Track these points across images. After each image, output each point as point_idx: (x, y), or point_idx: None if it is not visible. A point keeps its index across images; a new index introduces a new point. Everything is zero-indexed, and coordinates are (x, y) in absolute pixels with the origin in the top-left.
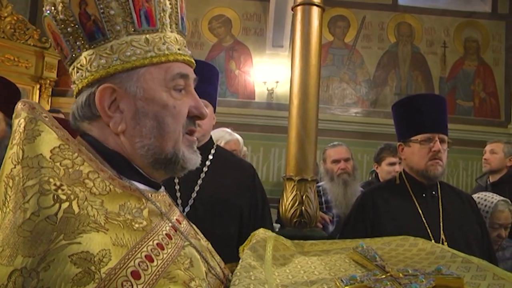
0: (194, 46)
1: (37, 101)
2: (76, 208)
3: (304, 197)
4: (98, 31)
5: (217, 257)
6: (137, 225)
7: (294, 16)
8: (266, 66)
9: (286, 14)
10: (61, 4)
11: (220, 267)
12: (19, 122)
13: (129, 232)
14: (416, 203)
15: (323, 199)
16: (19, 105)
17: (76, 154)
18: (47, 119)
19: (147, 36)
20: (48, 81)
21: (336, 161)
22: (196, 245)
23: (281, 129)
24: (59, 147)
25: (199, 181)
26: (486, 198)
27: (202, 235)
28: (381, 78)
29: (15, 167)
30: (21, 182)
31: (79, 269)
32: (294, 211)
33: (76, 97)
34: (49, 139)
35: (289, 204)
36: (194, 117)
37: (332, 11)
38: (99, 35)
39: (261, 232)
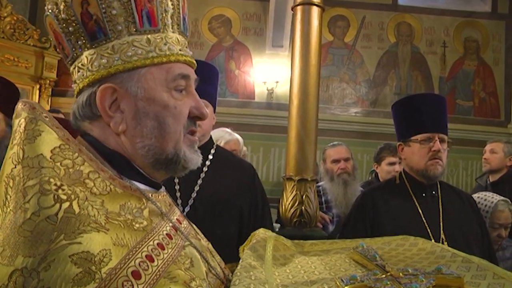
0: (194, 46)
1: (37, 101)
2: (76, 208)
3: (304, 197)
4: (100, 31)
5: (218, 257)
6: (137, 225)
7: (294, 16)
8: (266, 66)
9: (286, 14)
10: (63, 3)
11: (220, 267)
12: (20, 122)
13: (130, 232)
14: (416, 203)
15: (323, 199)
16: (19, 105)
17: (76, 154)
18: (47, 119)
19: (149, 36)
20: (48, 81)
21: (336, 161)
22: (196, 245)
23: (281, 129)
24: (59, 147)
25: (199, 181)
26: (486, 198)
27: (202, 235)
28: (381, 78)
29: (15, 167)
30: (22, 182)
31: (79, 269)
32: (294, 211)
33: (76, 97)
34: (50, 139)
35: (289, 204)
36: (195, 117)
37: (332, 11)
38: (100, 35)
39: (261, 232)
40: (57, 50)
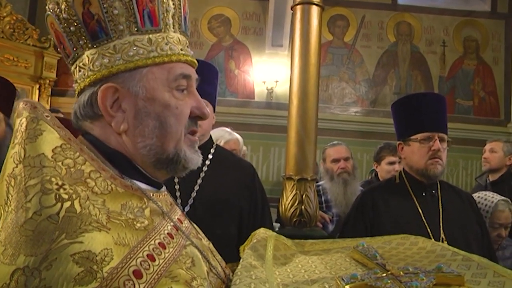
0: (194, 46)
1: (36, 101)
2: (78, 208)
3: (304, 196)
4: (101, 31)
5: (218, 257)
6: (139, 225)
7: (293, 16)
8: (266, 66)
9: (285, 14)
10: (64, 3)
11: (221, 266)
12: (21, 122)
13: (131, 231)
14: (416, 202)
15: (323, 199)
16: (20, 105)
17: (77, 154)
18: (48, 118)
19: (150, 36)
20: (48, 81)
21: (336, 160)
22: (197, 244)
23: (281, 128)
24: (60, 146)
25: (199, 181)
26: (486, 198)
27: (203, 235)
28: (381, 78)
29: (17, 166)
30: (23, 181)
31: (81, 268)
32: (294, 210)
33: (78, 96)
34: (51, 139)
35: (289, 203)
36: (196, 117)
37: (332, 11)
38: (102, 35)
39: (261, 232)
40: (58, 49)
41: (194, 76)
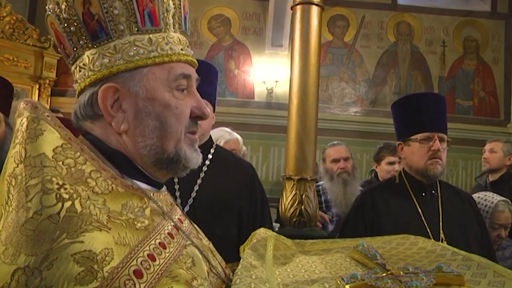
0: (193, 46)
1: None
2: (78, 207)
3: (303, 196)
4: (102, 31)
5: (219, 257)
6: (139, 224)
7: (293, 16)
8: (266, 66)
9: (285, 14)
10: (64, 3)
11: (221, 266)
12: (22, 121)
13: (132, 231)
14: (416, 202)
15: (322, 199)
16: (21, 105)
17: (78, 153)
18: (49, 118)
19: (151, 36)
20: (47, 81)
21: (336, 161)
22: (198, 244)
23: (281, 128)
24: (61, 146)
25: (199, 181)
26: (486, 198)
27: (203, 235)
28: (381, 78)
29: (17, 166)
30: (24, 181)
31: (81, 268)
32: (294, 210)
33: (78, 96)
34: (52, 138)
35: (288, 203)
36: (196, 117)
37: (332, 11)
38: (102, 35)
39: (261, 232)
40: (58, 49)
41: (195, 76)
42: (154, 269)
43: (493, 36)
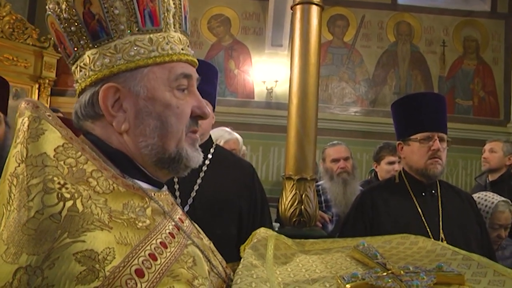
0: (193, 45)
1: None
2: (80, 207)
3: (303, 196)
4: (102, 31)
5: (219, 256)
6: (140, 224)
7: (293, 15)
8: (265, 65)
9: (285, 13)
10: (65, 3)
11: (222, 266)
12: (23, 121)
13: (133, 230)
14: (416, 202)
15: (322, 198)
16: (22, 104)
17: (79, 153)
18: (50, 118)
19: (151, 35)
20: (47, 81)
21: (336, 160)
22: (198, 244)
23: (281, 128)
24: (62, 145)
25: (199, 181)
26: (487, 198)
27: (204, 234)
28: (381, 77)
29: (19, 166)
30: (25, 180)
31: (83, 267)
32: (294, 210)
33: (79, 96)
34: (53, 138)
35: (288, 203)
36: (196, 117)
37: (331, 10)
38: (103, 34)
39: (262, 231)
40: (59, 49)
41: (195, 75)
42: (155, 269)
43: (493, 36)
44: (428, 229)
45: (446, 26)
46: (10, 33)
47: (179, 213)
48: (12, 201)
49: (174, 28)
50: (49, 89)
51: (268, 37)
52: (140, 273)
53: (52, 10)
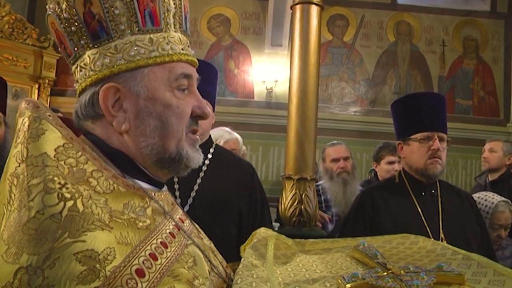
0: (193, 45)
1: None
2: (80, 207)
3: (303, 196)
4: (102, 30)
5: (219, 256)
6: (141, 224)
7: (293, 15)
8: (265, 65)
9: (285, 13)
10: (65, 3)
11: (222, 266)
12: (23, 121)
13: (133, 230)
14: (416, 202)
15: (322, 198)
16: (23, 104)
17: (80, 153)
18: (51, 118)
19: (151, 35)
20: (47, 81)
21: (336, 160)
22: (199, 244)
23: (280, 128)
24: (63, 145)
25: (198, 181)
26: (487, 198)
27: (204, 234)
28: (380, 77)
29: (19, 166)
30: (26, 180)
31: (84, 267)
32: (294, 210)
33: (79, 96)
34: (53, 138)
35: (288, 203)
36: (197, 116)
37: (331, 10)
38: (103, 34)
39: (262, 231)
40: (59, 49)
41: (195, 75)
42: (156, 268)
43: (493, 35)
44: (428, 229)
45: (446, 25)
46: (9, 33)
47: (179, 213)
48: (13, 201)
49: (174, 28)
50: (49, 89)
51: (267, 37)
52: (140, 273)
53: (52, 10)
